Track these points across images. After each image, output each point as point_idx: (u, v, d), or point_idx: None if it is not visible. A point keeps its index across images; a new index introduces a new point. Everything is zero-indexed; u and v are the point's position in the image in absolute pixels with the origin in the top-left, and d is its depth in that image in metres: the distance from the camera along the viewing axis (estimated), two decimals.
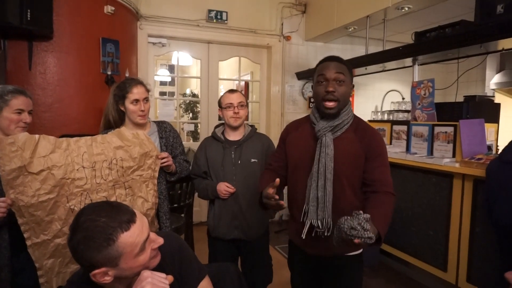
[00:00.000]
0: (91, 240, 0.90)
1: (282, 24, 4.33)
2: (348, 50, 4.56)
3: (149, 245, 0.97)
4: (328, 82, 1.43)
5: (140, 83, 1.88)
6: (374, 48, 3.66)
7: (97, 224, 0.91)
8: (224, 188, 1.88)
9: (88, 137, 1.62)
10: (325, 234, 1.43)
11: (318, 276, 1.62)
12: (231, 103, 1.94)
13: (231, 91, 2.01)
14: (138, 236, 0.93)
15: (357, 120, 1.53)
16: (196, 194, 2.68)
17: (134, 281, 0.95)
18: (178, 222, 2.62)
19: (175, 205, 2.67)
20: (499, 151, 2.98)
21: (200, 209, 4.01)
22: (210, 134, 2.09)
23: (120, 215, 0.93)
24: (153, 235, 0.99)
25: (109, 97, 1.89)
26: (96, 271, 0.91)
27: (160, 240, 1.00)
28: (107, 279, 0.93)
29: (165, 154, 1.81)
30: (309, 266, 1.61)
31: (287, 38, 4.36)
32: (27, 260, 1.47)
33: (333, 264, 1.54)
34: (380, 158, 1.46)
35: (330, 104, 1.43)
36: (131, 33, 3.45)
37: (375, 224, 1.22)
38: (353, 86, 1.54)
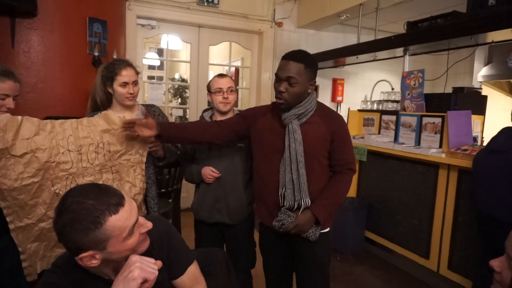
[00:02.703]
0: (78, 223, 0.87)
1: (274, 10, 4.27)
2: (340, 39, 4.54)
3: (137, 229, 0.96)
4: (281, 82, 1.52)
5: (130, 65, 1.82)
6: (366, 37, 3.65)
7: (84, 206, 0.88)
8: (209, 172, 1.88)
9: (74, 120, 1.58)
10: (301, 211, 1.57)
11: (289, 253, 1.75)
12: (220, 88, 1.92)
13: (221, 75, 1.99)
14: (126, 220, 0.91)
15: (320, 105, 1.65)
16: (184, 179, 2.67)
17: (122, 265, 0.94)
18: (166, 207, 2.61)
19: (163, 190, 2.65)
20: (485, 142, 3.04)
21: (188, 195, 3.99)
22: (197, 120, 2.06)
23: (109, 197, 0.91)
24: (142, 219, 0.98)
25: (96, 77, 1.83)
26: (83, 254, 0.89)
27: (149, 225, 0.99)
28: (94, 262, 0.91)
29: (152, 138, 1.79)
30: (281, 245, 1.72)
31: (279, 25, 4.30)
32: (10, 242, 1.44)
33: (304, 240, 1.62)
34: (344, 138, 1.63)
35: (279, 100, 1.54)
36: (119, 14, 3.34)
37: (312, 208, 1.55)
38: (315, 82, 1.60)
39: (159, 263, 0.97)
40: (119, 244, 0.91)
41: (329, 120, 1.61)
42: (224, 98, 1.91)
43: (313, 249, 1.65)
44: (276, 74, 1.55)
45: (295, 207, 1.56)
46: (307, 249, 1.66)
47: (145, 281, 0.91)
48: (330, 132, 1.59)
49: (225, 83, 1.93)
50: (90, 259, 0.91)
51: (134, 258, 0.92)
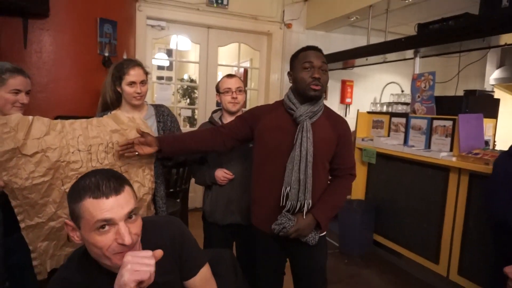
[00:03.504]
0: (73, 189, 0.94)
1: (283, 11, 4.26)
2: (349, 40, 4.51)
3: (114, 233, 0.91)
4: (315, 69, 1.52)
5: (138, 65, 1.84)
6: (375, 39, 3.62)
7: (85, 180, 0.93)
8: (222, 174, 1.88)
9: (83, 120, 1.59)
10: (303, 216, 1.53)
11: (284, 258, 1.72)
12: (229, 88, 1.92)
13: (229, 75, 1.99)
14: (98, 210, 0.89)
15: (326, 108, 1.65)
16: (192, 180, 2.67)
17: None
18: (174, 207, 2.61)
19: (171, 190, 2.66)
20: (497, 146, 2.99)
21: (195, 195, 4.00)
22: (207, 120, 2.07)
23: (105, 186, 0.91)
24: (123, 229, 0.91)
25: (107, 76, 1.85)
26: (68, 221, 0.95)
27: (126, 239, 0.90)
28: (76, 238, 0.96)
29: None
30: (277, 249, 1.67)
31: (288, 26, 4.29)
32: (20, 239, 1.46)
33: (302, 244, 1.58)
34: (348, 143, 1.65)
35: (317, 87, 1.51)
36: (129, 14, 3.37)
37: (314, 212, 1.53)
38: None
39: (159, 252, 0.93)
40: (88, 232, 0.91)
41: (336, 124, 1.62)
42: (233, 98, 1.91)
43: (311, 253, 1.62)
44: (308, 62, 1.52)
45: (297, 208, 1.52)
46: (305, 253, 1.63)
47: (141, 281, 0.87)
48: (337, 136, 1.59)
49: (233, 83, 1.93)
50: (72, 231, 0.96)
51: (126, 259, 0.88)
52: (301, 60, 1.54)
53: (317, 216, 1.53)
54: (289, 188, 1.52)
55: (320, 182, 1.59)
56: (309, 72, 1.52)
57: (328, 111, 1.64)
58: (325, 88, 1.56)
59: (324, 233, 1.67)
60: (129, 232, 0.92)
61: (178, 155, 1.92)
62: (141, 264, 0.87)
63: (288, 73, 1.63)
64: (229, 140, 1.70)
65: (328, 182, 1.68)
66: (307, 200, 1.51)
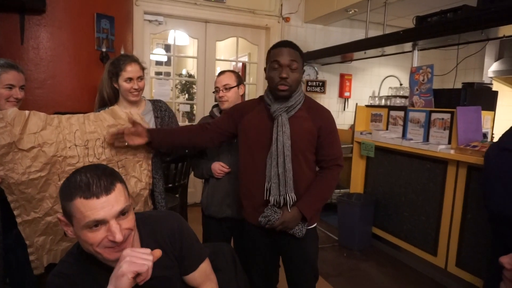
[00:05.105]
0: (65, 185, 0.94)
1: (281, 5, 4.24)
2: (347, 34, 4.50)
3: (105, 231, 0.91)
4: (282, 69, 1.48)
5: (135, 60, 1.83)
6: (373, 33, 3.61)
7: (76, 176, 0.93)
8: (218, 167, 1.89)
9: (81, 115, 1.59)
10: (289, 209, 1.53)
11: (275, 250, 1.72)
12: (217, 87, 1.96)
13: (221, 72, 2.01)
14: (89, 211, 0.89)
15: (308, 99, 1.63)
16: (190, 174, 2.68)
17: None
18: (173, 202, 2.62)
19: (170, 185, 2.66)
20: (495, 138, 2.98)
21: (195, 190, 4.01)
22: (207, 115, 2.08)
23: (95, 185, 0.91)
24: (114, 227, 0.91)
25: (103, 73, 1.85)
26: (60, 216, 0.96)
27: (117, 236, 0.90)
28: (70, 233, 0.96)
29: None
30: (268, 242, 1.69)
31: (286, 20, 4.28)
32: (19, 236, 1.46)
33: (291, 237, 1.59)
34: (331, 134, 1.61)
35: (284, 87, 1.49)
36: (127, 10, 3.35)
37: (299, 205, 1.53)
38: (304, 71, 1.62)
39: (158, 252, 0.94)
40: (79, 229, 0.91)
41: (316, 115, 1.58)
42: (219, 96, 1.94)
43: (300, 245, 1.62)
44: (275, 61, 1.48)
45: (281, 202, 1.53)
46: (294, 246, 1.63)
47: (138, 274, 0.88)
48: (317, 128, 1.57)
49: (220, 81, 1.96)
50: (65, 226, 0.96)
51: (125, 252, 0.90)
52: (271, 58, 1.52)
53: (302, 209, 1.53)
54: (270, 183, 1.53)
55: (303, 175, 1.58)
56: (277, 71, 1.49)
57: (309, 103, 1.62)
58: (294, 87, 1.52)
59: (314, 225, 1.68)
60: (120, 228, 0.92)
61: (168, 148, 1.90)
62: (138, 257, 0.88)
63: (264, 68, 1.59)
64: (216, 136, 1.71)
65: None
66: (288, 194, 1.52)
